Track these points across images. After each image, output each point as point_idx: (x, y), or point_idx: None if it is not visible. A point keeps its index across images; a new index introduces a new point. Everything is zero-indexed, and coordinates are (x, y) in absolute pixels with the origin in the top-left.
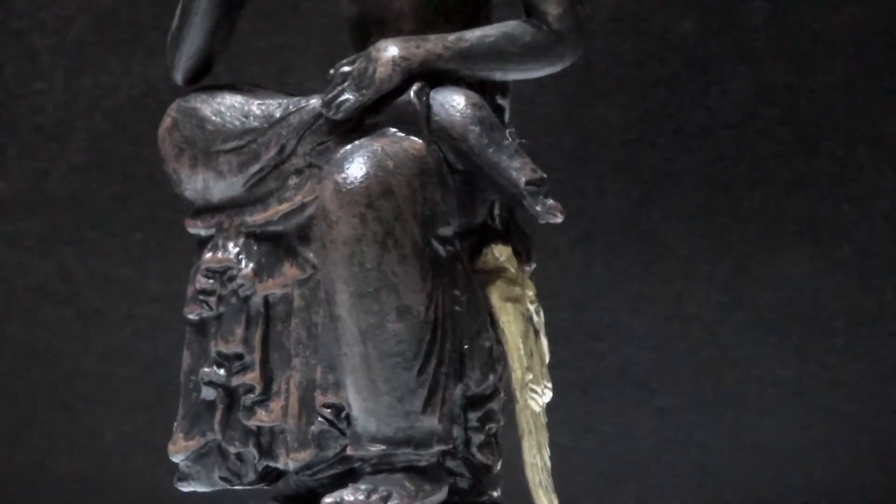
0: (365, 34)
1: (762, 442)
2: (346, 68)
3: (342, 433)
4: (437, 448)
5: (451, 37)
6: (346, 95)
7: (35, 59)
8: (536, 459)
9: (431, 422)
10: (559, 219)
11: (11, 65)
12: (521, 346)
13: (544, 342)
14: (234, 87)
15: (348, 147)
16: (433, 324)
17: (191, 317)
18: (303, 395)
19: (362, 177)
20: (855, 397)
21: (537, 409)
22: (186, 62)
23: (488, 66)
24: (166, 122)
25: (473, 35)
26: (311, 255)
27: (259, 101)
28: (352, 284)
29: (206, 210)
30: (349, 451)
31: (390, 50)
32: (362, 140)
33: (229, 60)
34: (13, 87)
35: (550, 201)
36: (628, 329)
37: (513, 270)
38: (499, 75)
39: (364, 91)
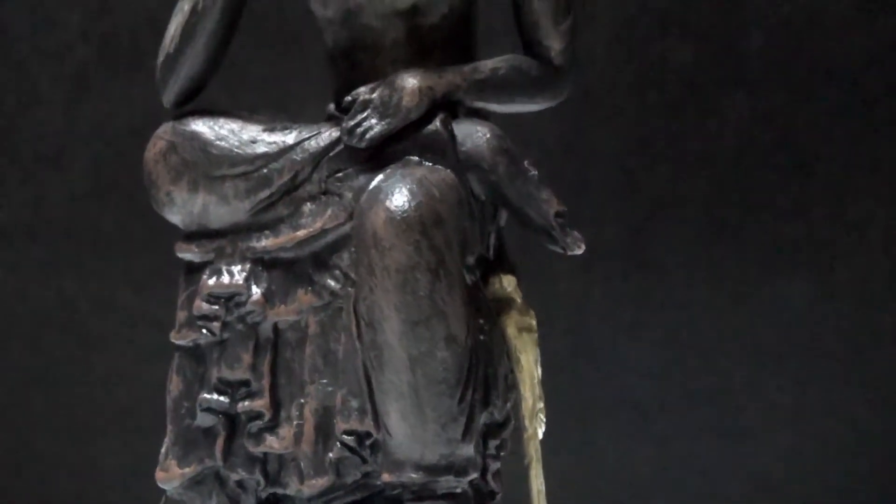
0: (354, 62)
1: (761, 469)
2: (367, 96)
3: (364, 460)
4: (472, 475)
5: (466, 69)
6: (370, 123)
7: (35, 86)
8: (543, 487)
9: (469, 449)
10: (582, 250)
11: (12, 92)
12: (535, 374)
13: (540, 371)
14: (227, 113)
15: (384, 175)
16: (470, 351)
17: (182, 342)
18: (319, 422)
19: (416, 205)
20: (853, 424)
21: (540, 436)
22: (182, 85)
23: (499, 97)
24: (159, 145)
25: (486, 67)
26: (330, 282)
27: (264, 127)
28: (403, 312)
29: (203, 235)
30: (385, 478)
31: (415, 79)
32: (397, 168)
33: (228, 87)
34: (14, 115)
35: (576, 233)
36: (627, 356)
37: (519, 300)
38: (505, 107)
39: (389, 119)
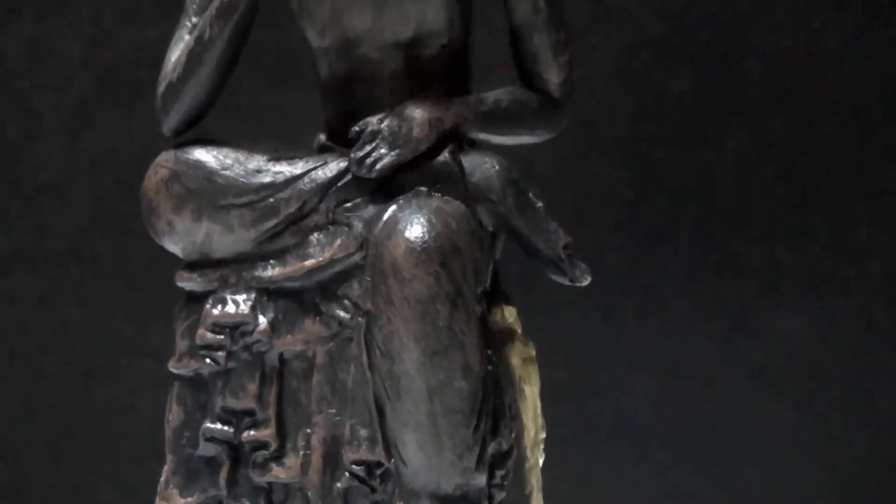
0: (350, 92)
1: (761, 497)
2: (376, 126)
3: (373, 489)
4: None
5: (471, 100)
6: (380, 153)
7: (36, 117)
8: None
9: (482, 479)
10: (588, 280)
11: (13, 123)
12: (538, 405)
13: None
14: (229, 142)
15: (397, 206)
16: (483, 381)
17: (183, 372)
18: (327, 452)
19: (435, 235)
20: (853, 453)
21: (540, 465)
22: (184, 113)
23: (502, 129)
24: (161, 173)
25: (490, 99)
26: (339, 312)
27: (269, 157)
28: (423, 342)
29: (205, 264)
30: None
31: (424, 110)
32: (409, 199)
33: (228, 117)
34: (14, 145)
35: (582, 264)
36: (626, 385)
37: (519, 331)
38: (507, 138)
39: (399, 150)
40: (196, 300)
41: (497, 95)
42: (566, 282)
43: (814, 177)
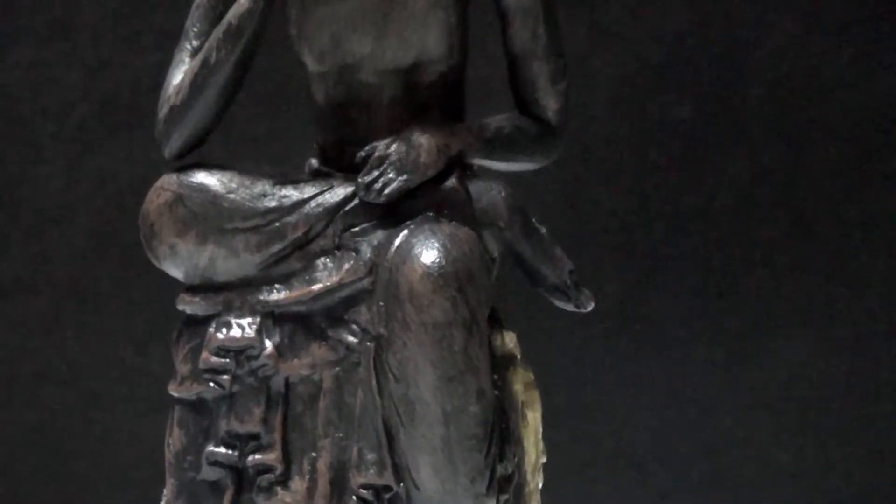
0: (348, 118)
1: None
2: (384, 152)
3: None
4: None
5: (475, 126)
6: (388, 178)
7: (37, 143)
8: None
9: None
10: (592, 306)
11: (14, 149)
12: (540, 429)
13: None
14: (230, 166)
15: (408, 231)
16: (493, 406)
17: (185, 395)
18: (334, 476)
19: (452, 261)
20: (851, 479)
21: (539, 490)
22: (187, 137)
23: (504, 156)
24: (164, 196)
25: (492, 126)
26: (347, 336)
27: (274, 181)
28: (439, 367)
29: (208, 288)
30: None
31: (432, 136)
32: (420, 224)
33: (228, 144)
34: (15, 172)
35: (587, 290)
36: (625, 411)
37: (519, 356)
38: (507, 165)
39: (407, 176)
40: (197, 324)
41: (498, 122)
42: (571, 308)
43: (812, 203)
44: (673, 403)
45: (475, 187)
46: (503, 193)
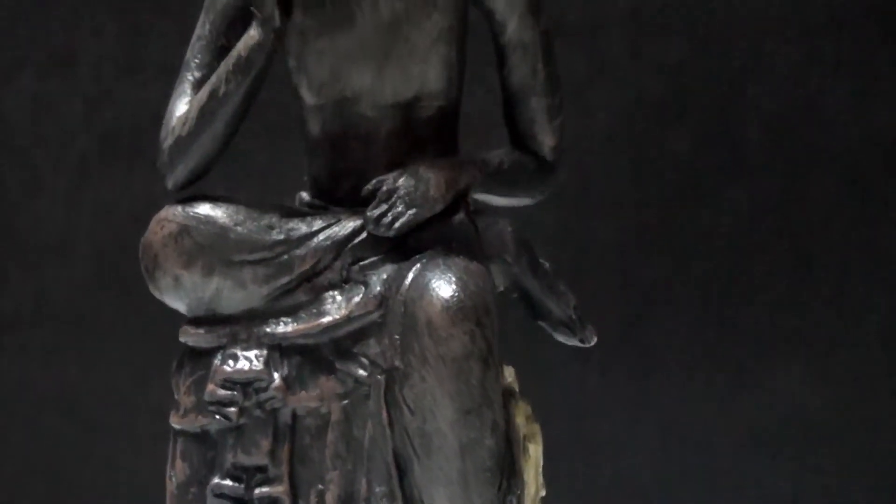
0: (345, 151)
1: None
2: (392, 185)
3: None
4: None
5: (478, 161)
6: (398, 212)
7: (37, 175)
8: None
9: None
10: (595, 341)
11: (14, 181)
12: (540, 462)
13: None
14: (234, 198)
15: (421, 265)
16: (505, 439)
17: (190, 428)
18: None
19: (469, 295)
20: None
21: None
22: (192, 168)
23: (504, 190)
24: (169, 228)
25: (494, 161)
26: (357, 369)
27: (280, 214)
28: (457, 400)
29: (212, 320)
30: None
31: (441, 171)
32: (433, 258)
33: (229, 175)
34: (16, 204)
35: (590, 325)
36: (625, 444)
37: (517, 389)
38: (506, 200)
39: (416, 209)
40: (200, 355)
41: (499, 157)
42: (575, 342)
43: (811, 234)
44: (672, 434)
45: (482, 222)
46: (510, 228)
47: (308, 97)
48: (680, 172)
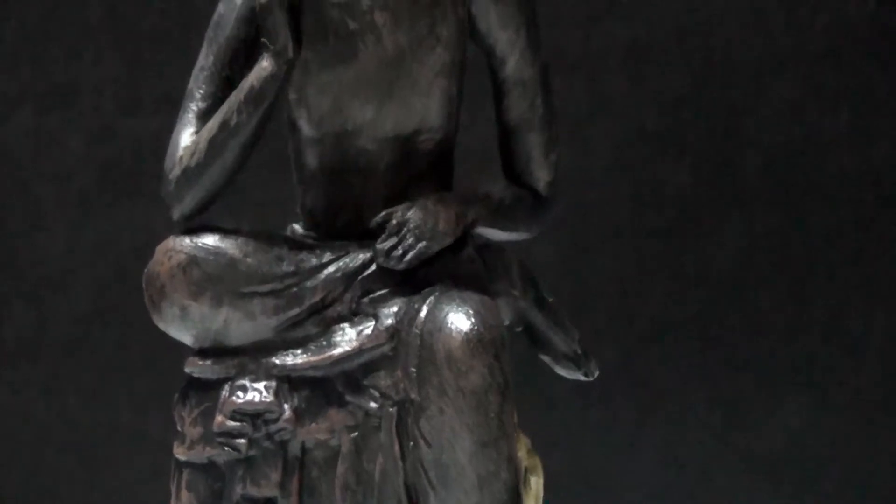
0: (342, 184)
1: None
2: (401, 218)
3: None
4: None
5: (481, 195)
6: (408, 245)
7: (38, 209)
8: None
9: None
10: (596, 374)
11: (15, 214)
12: (541, 494)
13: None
14: (239, 230)
15: (434, 298)
16: (518, 471)
17: (195, 459)
18: None
19: (488, 328)
20: None
21: None
22: (200, 199)
23: (506, 225)
24: (177, 258)
25: (495, 196)
26: (368, 402)
27: (289, 245)
28: (476, 433)
29: (219, 351)
30: None
31: (450, 205)
32: (450, 292)
33: (229, 210)
34: (17, 237)
35: (593, 360)
36: (625, 476)
37: (515, 422)
38: (507, 234)
39: (426, 243)
40: (205, 387)
41: (500, 192)
42: (578, 376)
43: (810, 268)
44: (672, 467)
45: (488, 255)
46: (516, 262)
47: (307, 129)
48: (679, 205)
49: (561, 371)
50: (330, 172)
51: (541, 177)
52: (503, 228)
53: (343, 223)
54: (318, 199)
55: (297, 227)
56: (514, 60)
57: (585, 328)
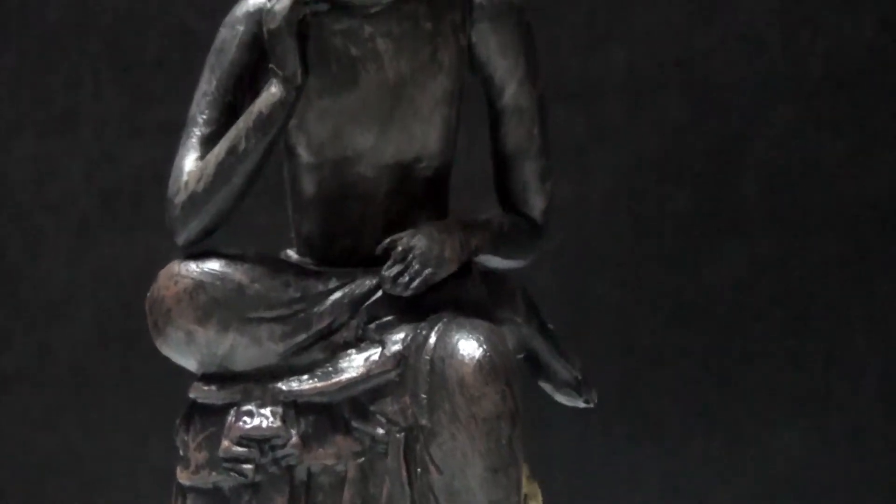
0: (341, 210)
1: None
2: (406, 245)
3: None
4: None
5: (481, 222)
6: (413, 272)
7: (39, 236)
8: None
9: None
10: (596, 401)
11: (15, 241)
12: None
13: None
14: (244, 255)
15: (442, 325)
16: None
17: (200, 484)
18: None
19: (500, 354)
20: None
21: None
22: (206, 224)
23: (503, 251)
24: (183, 283)
25: (495, 223)
26: (375, 428)
27: (295, 271)
28: (487, 459)
29: (224, 377)
30: None
31: (454, 231)
32: (459, 319)
33: (230, 236)
34: (17, 264)
35: (593, 388)
36: (623, 502)
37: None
38: (506, 262)
39: (432, 270)
40: (210, 412)
41: (499, 220)
42: (579, 404)
43: (809, 295)
44: (671, 495)
45: (491, 282)
46: (519, 290)
47: (306, 155)
48: (679, 232)
49: (561, 399)
50: (328, 199)
51: (536, 205)
52: (503, 255)
53: (340, 250)
54: (314, 225)
55: (291, 253)
56: (512, 89)
57: (585, 354)
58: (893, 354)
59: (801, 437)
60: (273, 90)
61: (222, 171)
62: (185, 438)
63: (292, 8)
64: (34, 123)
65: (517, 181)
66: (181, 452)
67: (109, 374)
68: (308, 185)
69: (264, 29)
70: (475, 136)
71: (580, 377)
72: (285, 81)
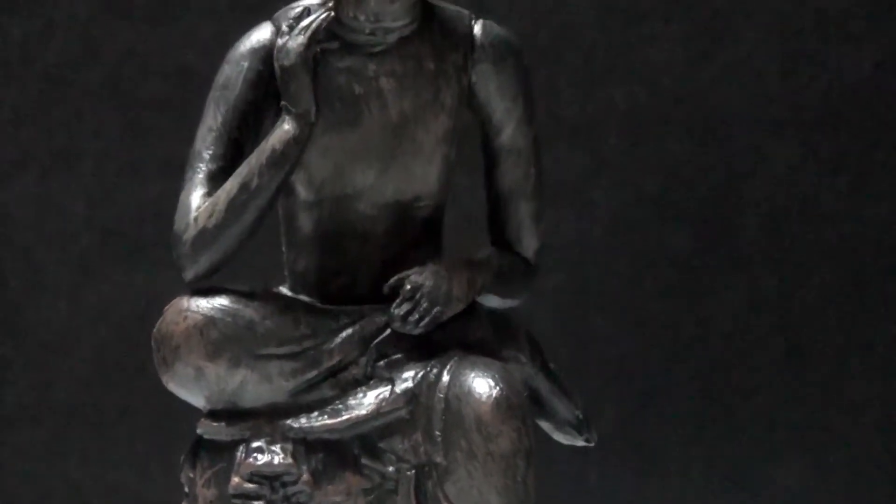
0: (338, 248)
1: None
2: (415, 283)
3: None
4: None
5: (482, 260)
6: (423, 310)
7: (40, 273)
8: None
9: None
10: (595, 440)
11: (16, 278)
12: None
13: None
14: (253, 292)
15: (453, 363)
16: None
17: None
18: None
19: (515, 392)
20: None
21: None
22: (216, 260)
23: (502, 290)
24: (193, 319)
25: (494, 262)
26: (382, 465)
27: (304, 307)
28: (504, 496)
29: (232, 413)
30: None
31: (461, 270)
32: (472, 358)
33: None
34: (19, 301)
35: (593, 428)
36: None
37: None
38: (504, 300)
39: (440, 308)
40: (218, 448)
41: (497, 258)
42: (578, 443)
43: (808, 331)
44: None
45: (495, 321)
46: (523, 329)
47: (305, 193)
48: (679, 268)
49: (559, 437)
50: (326, 236)
51: (530, 244)
52: (501, 294)
53: (338, 287)
54: (310, 262)
55: (285, 290)
56: (510, 129)
57: (585, 391)
58: (893, 389)
59: (800, 471)
60: (286, 127)
61: (234, 208)
62: (191, 475)
63: (308, 45)
64: (35, 160)
65: (512, 220)
66: (187, 489)
67: (110, 410)
68: (305, 223)
69: (276, 65)
70: (470, 175)
71: (581, 416)
72: (299, 118)
